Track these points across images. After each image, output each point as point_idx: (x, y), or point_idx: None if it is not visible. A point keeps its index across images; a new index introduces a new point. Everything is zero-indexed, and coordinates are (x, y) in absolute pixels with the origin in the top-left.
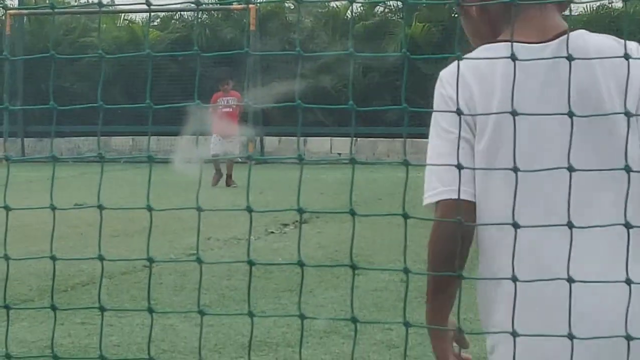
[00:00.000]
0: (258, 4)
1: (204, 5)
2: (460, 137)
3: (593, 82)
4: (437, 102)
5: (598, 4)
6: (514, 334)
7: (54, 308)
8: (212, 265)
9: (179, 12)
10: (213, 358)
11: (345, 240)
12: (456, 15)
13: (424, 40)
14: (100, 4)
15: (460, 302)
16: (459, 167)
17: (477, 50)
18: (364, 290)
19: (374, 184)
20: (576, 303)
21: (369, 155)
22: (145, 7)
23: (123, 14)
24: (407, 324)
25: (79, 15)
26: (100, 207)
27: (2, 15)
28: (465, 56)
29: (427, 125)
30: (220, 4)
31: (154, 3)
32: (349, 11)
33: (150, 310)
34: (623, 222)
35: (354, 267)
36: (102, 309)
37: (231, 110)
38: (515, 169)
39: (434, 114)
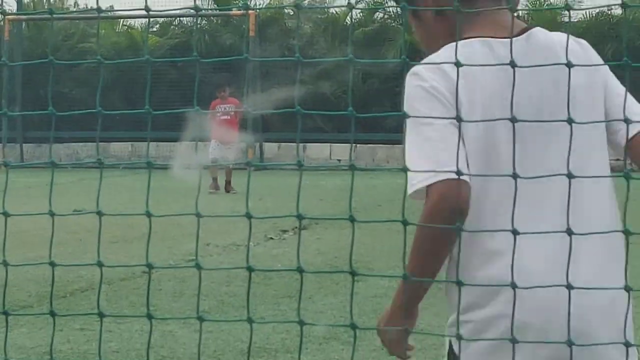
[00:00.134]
0: (257, 10)
1: (203, 11)
2: (451, 123)
3: (564, 74)
4: (417, 95)
5: (597, 10)
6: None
7: (53, 314)
8: (211, 272)
9: (178, 18)
10: None
11: (344, 247)
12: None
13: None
14: (99, 10)
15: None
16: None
17: (452, 45)
18: (363, 297)
19: (374, 190)
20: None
21: (368, 161)
22: (144, 12)
23: (122, 20)
24: (406, 331)
25: (77, 21)
26: (100, 214)
27: (1, 20)
28: (441, 50)
29: None
30: (220, 10)
31: (153, 9)
32: (348, 17)
33: (150, 317)
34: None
35: (353, 274)
36: (101, 315)
37: (229, 117)
38: (515, 176)
39: (411, 108)
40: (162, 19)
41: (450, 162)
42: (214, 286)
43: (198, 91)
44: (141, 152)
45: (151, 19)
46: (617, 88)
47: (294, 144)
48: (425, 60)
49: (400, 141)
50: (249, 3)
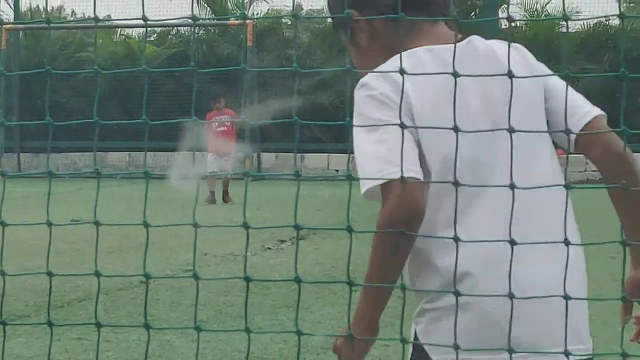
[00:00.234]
0: (255, 20)
1: (200, 21)
2: (405, 125)
3: (503, 79)
4: (367, 104)
5: (595, 21)
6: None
7: (50, 324)
8: (208, 282)
9: (175, 28)
10: None
11: (342, 257)
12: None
13: None
14: (96, 19)
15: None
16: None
17: (395, 57)
18: None
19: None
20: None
21: None
22: (141, 22)
23: (119, 29)
24: (403, 340)
25: (75, 30)
26: (97, 223)
27: None
28: (388, 61)
29: None
30: (217, 20)
31: (150, 18)
32: None
33: (147, 326)
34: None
35: (351, 284)
36: (98, 325)
37: (226, 128)
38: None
39: (362, 116)
40: (160, 28)
41: (404, 163)
42: (212, 296)
43: (195, 101)
44: (139, 162)
45: (149, 29)
46: (558, 84)
47: (291, 154)
48: (371, 73)
49: None
50: (246, 13)
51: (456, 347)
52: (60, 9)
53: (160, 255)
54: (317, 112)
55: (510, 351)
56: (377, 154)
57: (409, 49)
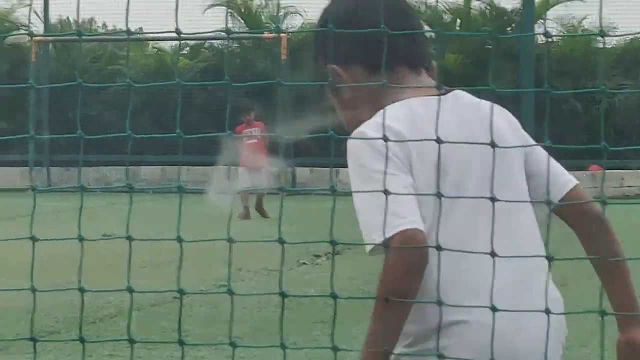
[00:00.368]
0: (289, 34)
1: (235, 34)
2: (403, 179)
3: (495, 126)
4: (365, 154)
5: (632, 36)
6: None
7: (82, 340)
8: (243, 297)
9: (208, 41)
10: None
11: (377, 272)
12: (489, 47)
13: (457, 71)
14: (128, 32)
15: None
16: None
17: (391, 106)
18: None
19: None
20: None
21: None
22: (175, 35)
23: (151, 42)
24: (440, 356)
25: (106, 43)
26: (130, 238)
27: (28, 41)
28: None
29: None
30: (251, 33)
31: (183, 31)
32: None
33: (181, 343)
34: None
35: (387, 300)
36: (131, 342)
37: (256, 141)
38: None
39: (359, 166)
40: (193, 41)
41: (407, 214)
42: (247, 312)
43: (228, 114)
44: (171, 176)
45: (181, 42)
46: (538, 151)
47: (326, 168)
48: (368, 123)
49: None
50: (280, 26)
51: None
52: (91, 21)
53: (194, 270)
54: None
55: None
56: (380, 208)
57: (395, 99)
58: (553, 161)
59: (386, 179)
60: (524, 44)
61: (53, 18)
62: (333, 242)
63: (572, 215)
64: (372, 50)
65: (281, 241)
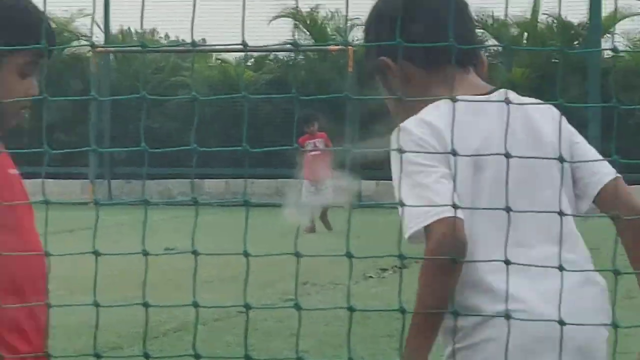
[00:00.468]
0: (356, 47)
1: (302, 47)
2: (441, 171)
3: (536, 125)
4: (409, 148)
5: None
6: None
7: (147, 356)
8: (309, 311)
9: (273, 53)
10: None
11: None
12: (556, 61)
13: (524, 85)
14: (193, 44)
15: None
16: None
17: (435, 104)
18: None
19: None
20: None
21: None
22: (240, 47)
23: (215, 53)
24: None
25: (168, 54)
26: (195, 253)
27: (88, 52)
28: (427, 107)
29: None
30: (317, 45)
31: (248, 43)
32: None
33: (248, 357)
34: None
35: (455, 313)
36: (197, 357)
37: (320, 152)
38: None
39: (404, 161)
40: (257, 53)
41: (444, 203)
42: (313, 326)
43: (293, 127)
44: (235, 189)
45: (247, 54)
46: (581, 146)
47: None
48: (411, 119)
49: None
50: (346, 38)
51: None
52: (153, 31)
53: (258, 284)
54: None
55: None
56: (420, 198)
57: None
58: (594, 154)
59: (425, 170)
60: (591, 59)
61: (114, 28)
62: (401, 257)
63: (612, 208)
64: (423, 48)
65: (349, 255)
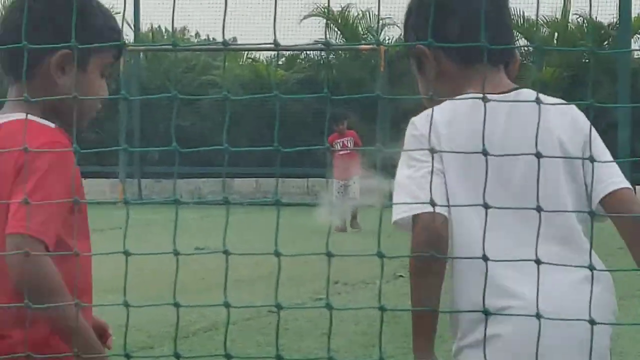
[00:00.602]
0: (387, 46)
1: (334, 46)
2: (433, 166)
3: (548, 127)
4: (410, 142)
5: None
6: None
7: (177, 356)
8: (339, 310)
9: (304, 52)
10: None
11: None
12: (586, 61)
13: (554, 85)
14: (225, 43)
15: None
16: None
17: (447, 102)
18: None
19: None
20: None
21: None
22: (272, 46)
23: (246, 53)
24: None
25: (199, 53)
26: (226, 253)
27: None
28: (443, 103)
29: None
30: (349, 45)
31: (279, 42)
32: None
33: (279, 357)
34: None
35: (486, 313)
36: (228, 357)
37: (349, 150)
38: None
39: (404, 152)
40: (289, 52)
41: (425, 199)
42: (343, 325)
43: (323, 126)
44: (266, 189)
45: (278, 53)
46: (598, 149)
47: None
48: (422, 113)
49: None
50: (378, 37)
51: None
52: (184, 30)
53: (289, 283)
54: None
55: None
56: (407, 190)
57: (469, 91)
58: (613, 164)
59: (416, 165)
60: (622, 59)
61: (144, 26)
62: (433, 257)
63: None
64: (457, 42)
65: (380, 255)
